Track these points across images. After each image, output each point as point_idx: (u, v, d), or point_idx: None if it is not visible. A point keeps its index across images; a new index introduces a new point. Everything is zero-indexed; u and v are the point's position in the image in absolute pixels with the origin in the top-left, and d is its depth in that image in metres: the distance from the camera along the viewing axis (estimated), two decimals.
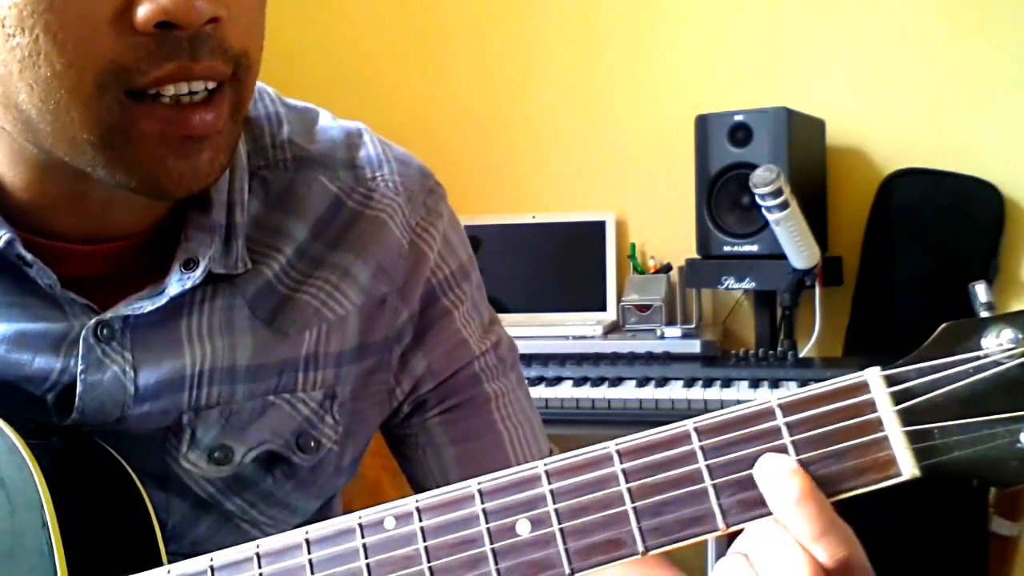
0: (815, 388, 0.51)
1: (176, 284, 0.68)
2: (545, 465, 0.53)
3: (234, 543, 0.58)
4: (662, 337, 2.19)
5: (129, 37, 0.57)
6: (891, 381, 0.49)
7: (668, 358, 2.11)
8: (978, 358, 0.48)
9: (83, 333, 0.67)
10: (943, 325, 0.49)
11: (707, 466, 0.51)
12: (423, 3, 2.66)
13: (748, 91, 2.35)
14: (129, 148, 0.60)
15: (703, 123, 2.15)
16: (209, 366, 0.71)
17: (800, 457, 0.50)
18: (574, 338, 2.22)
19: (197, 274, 0.68)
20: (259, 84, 0.79)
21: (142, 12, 0.56)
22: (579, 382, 2.05)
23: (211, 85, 0.60)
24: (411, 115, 2.60)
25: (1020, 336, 0.47)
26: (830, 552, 0.49)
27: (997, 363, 0.48)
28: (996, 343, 0.48)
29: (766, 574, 0.50)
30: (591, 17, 2.53)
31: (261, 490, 0.75)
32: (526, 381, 0.87)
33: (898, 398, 0.49)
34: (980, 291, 0.50)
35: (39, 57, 0.56)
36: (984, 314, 0.50)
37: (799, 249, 1.98)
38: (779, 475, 0.50)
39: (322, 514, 0.82)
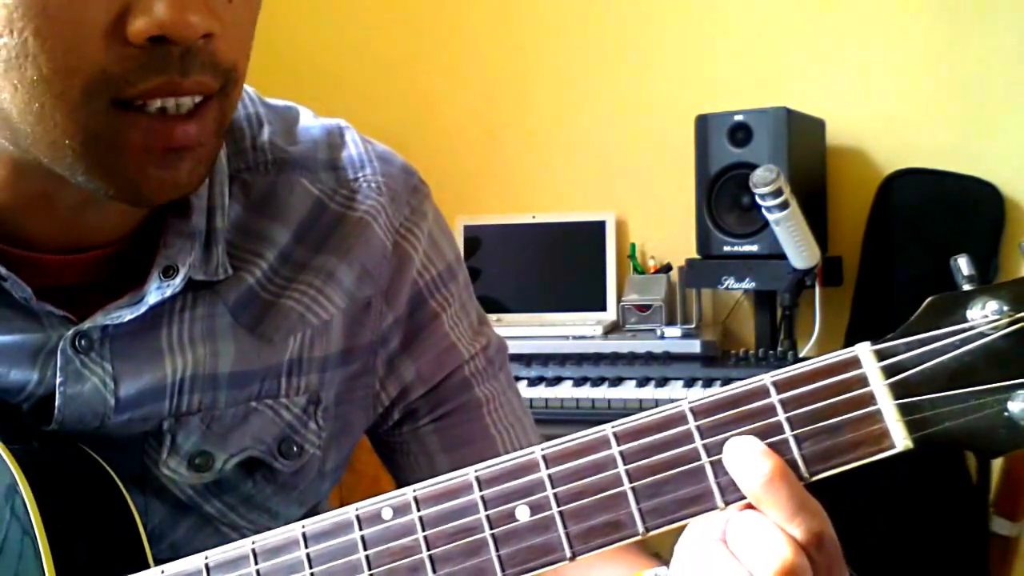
0: (807, 364, 0.51)
1: (155, 292, 0.67)
2: (543, 451, 0.53)
3: (213, 547, 0.58)
4: (662, 337, 2.20)
5: (121, 48, 0.56)
6: (881, 355, 0.50)
7: (668, 358, 2.12)
8: (964, 330, 0.49)
9: (61, 344, 0.66)
10: (929, 299, 0.50)
11: (703, 445, 0.52)
12: (423, 4, 2.67)
13: (748, 91, 2.35)
14: (111, 156, 0.59)
15: (703, 123, 2.15)
16: (191, 374, 0.70)
17: (795, 433, 0.51)
18: (574, 338, 2.23)
19: (177, 282, 0.67)
20: None
21: (137, 25, 0.55)
22: (579, 382, 2.05)
23: (198, 99, 0.60)
24: (411, 116, 2.61)
25: (1004, 307, 0.48)
26: (805, 528, 0.50)
27: (982, 335, 0.49)
28: (981, 315, 0.49)
29: (747, 558, 0.50)
30: (591, 17, 2.53)
31: (241, 493, 0.74)
32: (514, 379, 0.86)
33: (889, 372, 0.50)
34: (963, 264, 0.51)
35: (26, 59, 0.55)
36: (967, 287, 0.50)
37: (799, 249, 1.98)
38: (749, 457, 0.50)
39: None
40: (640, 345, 2.17)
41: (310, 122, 0.80)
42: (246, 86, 0.78)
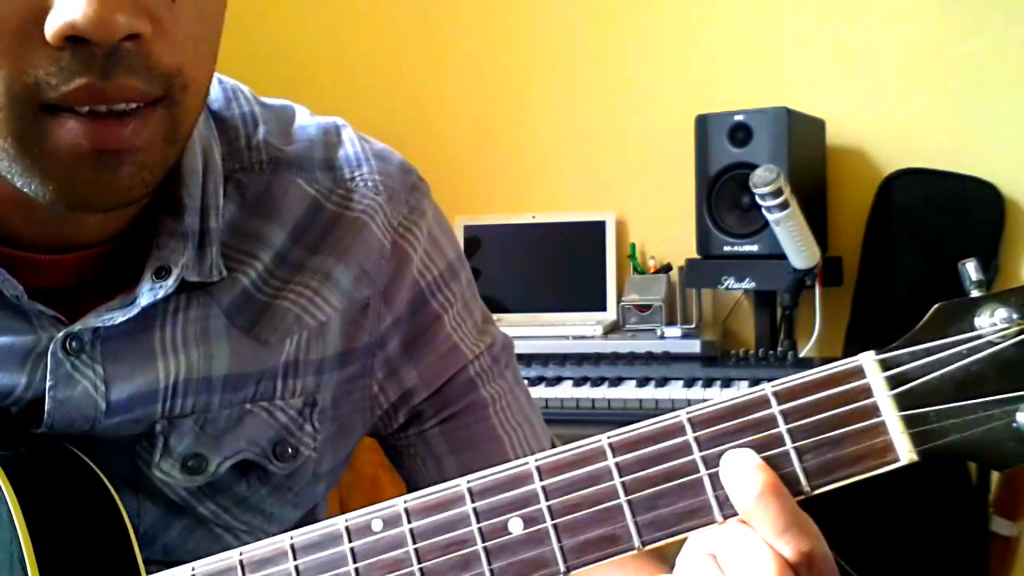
0: (809, 374, 0.50)
1: (148, 294, 0.66)
2: (536, 462, 0.52)
3: (207, 548, 0.57)
4: (662, 337, 2.19)
5: (41, 49, 0.54)
6: (886, 365, 0.49)
7: (668, 358, 2.11)
8: (972, 339, 0.48)
9: (51, 347, 0.65)
10: (936, 306, 0.49)
11: (702, 457, 0.51)
12: (423, 3, 2.66)
13: (748, 91, 2.35)
14: (43, 159, 0.57)
15: (703, 123, 2.14)
16: (184, 377, 0.69)
17: (796, 445, 0.50)
18: (574, 338, 2.22)
19: (169, 283, 0.66)
20: (234, 83, 0.77)
21: (51, 26, 0.53)
22: (579, 382, 2.05)
23: (132, 105, 0.57)
24: (411, 115, 2.60)
25: (1014, 315, 0.47)
26: (794, 547, 0.49)
27: (991, 343, 0.47)
28: (990, 323, 0.47)
29: (734, 574, 0.50)
30: (591, 17, 2.53)
31: (235, 495, 0.73)
32: (523, 377, 0.85)
33: (893, 382, 0.49)
34: (971, 269, 0.49)
35: None
36: (975, 293, 0.49)
37: (799, 249, 1.98)
38: (742, 470, 0.50)
39: (304, 524, 0.81)
40: (640, 345, 2.16)
41: (306, 121, 0.78)
42: (241, 85, 0.77)
